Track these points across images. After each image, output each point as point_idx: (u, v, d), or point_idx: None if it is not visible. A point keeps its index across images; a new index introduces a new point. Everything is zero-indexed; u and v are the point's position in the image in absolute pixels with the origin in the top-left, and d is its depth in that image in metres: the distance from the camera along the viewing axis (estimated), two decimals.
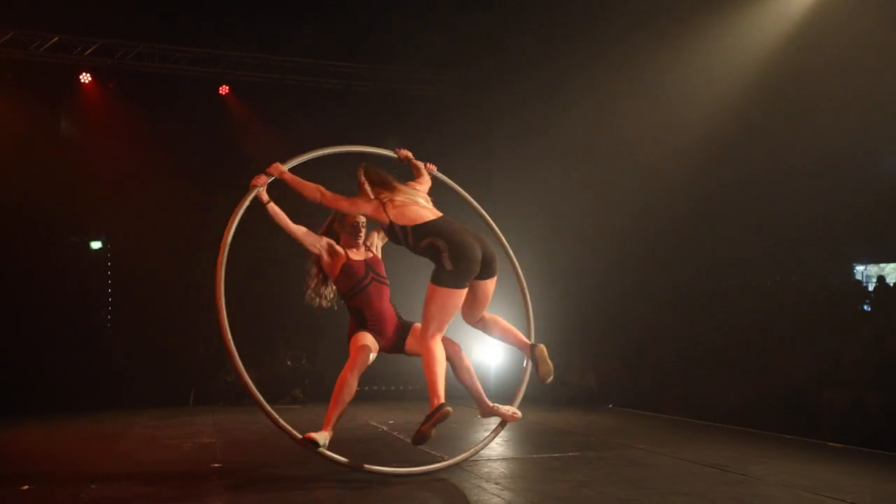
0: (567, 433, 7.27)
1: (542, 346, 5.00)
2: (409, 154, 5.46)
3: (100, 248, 11.62)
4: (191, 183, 11.06)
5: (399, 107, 11.74)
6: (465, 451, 5.57)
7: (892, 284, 10.54)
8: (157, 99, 11.21)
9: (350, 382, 5.03)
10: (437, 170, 5.54)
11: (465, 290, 4.79)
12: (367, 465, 5.13)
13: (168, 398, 10.11)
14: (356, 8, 10.73)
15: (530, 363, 5.07)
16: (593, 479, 5.04)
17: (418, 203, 4.94)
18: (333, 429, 5.08)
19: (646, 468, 5.44)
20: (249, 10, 10.95)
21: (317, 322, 10.36)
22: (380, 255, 5.43)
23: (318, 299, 5.43)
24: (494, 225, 5.82)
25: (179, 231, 11.08)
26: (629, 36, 9.73)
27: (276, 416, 5.01)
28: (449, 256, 4.71)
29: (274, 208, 5.21)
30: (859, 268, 11.94)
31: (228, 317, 5.22)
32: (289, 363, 10.86)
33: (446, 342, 5.05)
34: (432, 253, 4.77)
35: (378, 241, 5.48)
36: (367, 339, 5.12)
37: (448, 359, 5.02)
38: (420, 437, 4.75)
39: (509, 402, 5.43)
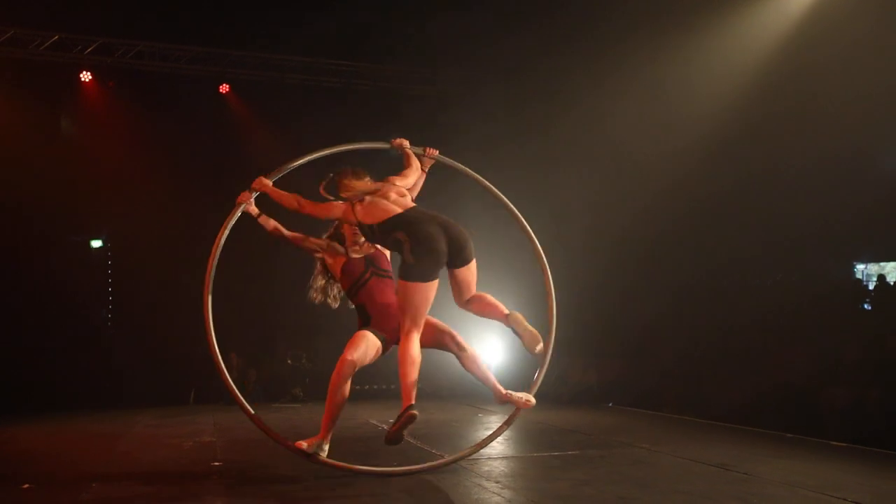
0: (568, 432, 7.26)
1: (517, 314, 4.85)
2: (404, 143, 5.33)
3: (100, 247, 11.63)
4: (191, 181, 11.07)
5: (399, 106, 11.75)
6: (465, 450, 5.53)
7: (892, 283, 10.55)
8: (158, 98, 11.22)
9: (337, 389, 5.00)
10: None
11: (434, 282, 4.74)
12: (361, 467, 5.14)
13: (168, 397, 10.13)
14: (356, 7, 10.74)
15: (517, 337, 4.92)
16: (594, 478, 5.03)
17: (388, 198, 4.90)
18: (330, 432, 5.10)
19: (647, 467, 5.43)
20: (249, 9, 10.95)
21: (317, 321, 10.35)
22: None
23: (324, 298, 5.41)
24: (511, 204, 5.59)
25: (180, 230, 11.08)
26: (629, 35, 9.73)
27: (269, 427, 5.17)
28: (410, 250, 4.70)
29: (266, 220, 5.26)
30: (860, 266, 11.95)
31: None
32: (289, 362, 10.87)
33: (440, 332, 5.02)
34: (397, 247, 4.78)
35: None
36: (361, 344, 5.04)
37: (448, 350, 5.01)
38: (390, 439, 4.71)
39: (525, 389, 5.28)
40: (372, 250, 5.33)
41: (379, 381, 10.77)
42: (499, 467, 5.50)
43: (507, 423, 5.41)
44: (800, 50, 9.03)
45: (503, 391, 5.04)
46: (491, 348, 10.40)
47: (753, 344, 9.11)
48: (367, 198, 4.92)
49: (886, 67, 8.40)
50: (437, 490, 4.80)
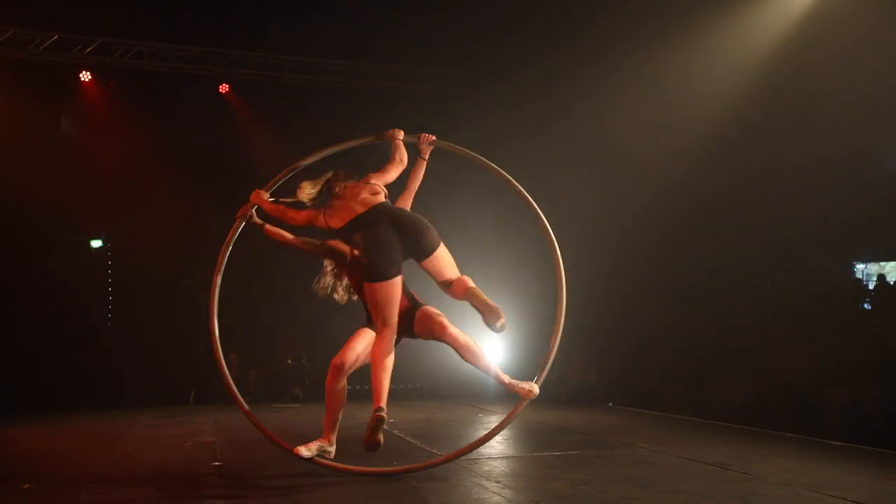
0: (568, 431, 7.26)
1: (472, 289, 4.75)
2: (397, 134, 5.20)
3: (100, 247, 11.63)
4: (191, 181, 11.08)
5: (399, 105, 11.75)
6: (463, 452, 5.39)
7: (892, 283, 10.55)
8: (158, 97, 11.21)
9: (331, 392, 5.04)
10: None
11: (392, 280, 4.73)
12: (362, 468, 5.14)
13: (169, 397, 10.12)
14: (356, 6, 10.74)
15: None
16: (594, 478, 5.03)
17: (357, 198, 4.88)
18: (333, 433, 5.11)
19: (647, 466, 5.43)
20: (249, 9, 10.95)
21: (317, 320, 10.38)
22: None
23: (331, 294, 5.35)
24: (515, 181, 5.33)
25: (180, 229, 11.09)
26: (629, 35, 9.72)
27: (272, 434, 5.25)
28: (364, 251, 4.75)
29: (270, 229, 5.28)
30: (860, 266, 11.95)
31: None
32: (289, 362, 10.86)
33: (432, 324, 4.92)
34: (357, 249, 4.82)
35: None
36: (355, 344, 5.05)
37: (443, 342, 4.95)
38: (368, 446, 4.71)
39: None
40: None
41: None
42: (499, 467, 5.49)
43: (510, 417, 5.27)
44: (800, 50, 9.03)
45: (506, 380, 4.99)
46: (492, 346, 10.41)
47: (753, 344, 9.11)
48: (338, 201, 4.91)
49: (886, 67, 8.40)
50: (437, 490, 4.80)
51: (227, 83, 11.54)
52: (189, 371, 10.63)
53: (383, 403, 4.73)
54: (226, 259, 5.36)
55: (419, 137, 5.29)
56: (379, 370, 4.80)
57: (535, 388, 4.98)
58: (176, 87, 11.26)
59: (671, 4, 9.48)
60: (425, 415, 8.61)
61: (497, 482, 4.96)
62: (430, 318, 4.98)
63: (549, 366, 5.16)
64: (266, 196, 5.20)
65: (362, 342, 5.05)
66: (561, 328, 5.18)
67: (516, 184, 5.34)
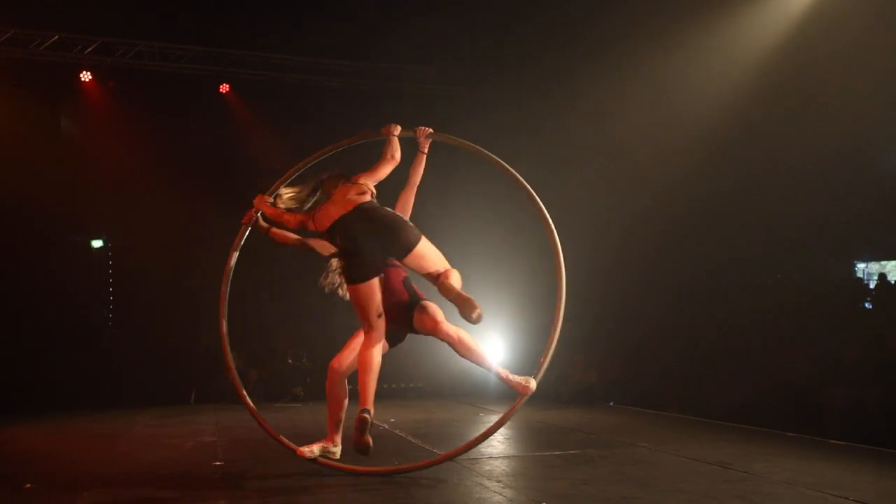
0: (569, 431, 7.26)
1: (442, 283, 4.69)
2: (392, 130, 5.16)
3: (101, 247, 11.62)
4: (191, 181, 11.08)
5: (400, 105, 11.74)
6: (463, 449, 5.33)
7: (893, 282, 10.54)
8: (158, 97, 11.21)
9: (331, 394, 5.07)
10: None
11: (369, 282, 4.73)
12: (363, 468, 5.15)
13: (169, 397, 10.11)
14: (357, 6, 10.74)
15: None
16: (595, 477, 5.03)
17: (343, 199, 4.86)
18: (337, 433, 5.12)
19: (648, 466, 5.43)
20: (250, 9, 10.95)
21: (317, 320, 10.37)
22: None
23: (338, 289, 5.31)
24: (516, 173, 5.25)
25: (180, 229, 11.09)
26: (630, 34, 9.72)
27: (283, 438, 5.28)
28: (341, 252, 4.79)
29: (276, 232, 5.29)
30: (860, 265, 11.94)
31: (229, 316, 5.29)
32: (290, 361, 10.86)
33: (424, 317, 4.88)
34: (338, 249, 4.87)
35: None
36: (353, 344, 5.08)
37: (436, 337, 4.92)
38: (358, 448, 4.73)
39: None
40: None
41: (379, 380, 10.75)
42: (500, 466, 5.49)
43: (508, 414, 5.13)
44: (799, 49, 9.02)
45: (503, 374, 4.92)
46: (494, 346, 10.41)
47: (754, 343, 9.11)
48: (326, 203, 4.92)
49: (886, 67, 8.40)
50: (439, 489, 4.80)
51: (227, 83, 11.55)
52: (190, 371, 10.63)
53: (368, 405, 4.73)
54: (233, 264, 5.42)
55: (415, 131, 5.27)
56: (363, 372, 4.81)
57: (532, 384, 4.90)
58: (176, 87, 11.26)
59: (671, 4, 9.48)
60: (426, 415, 8.61)
61: (498, 482, 4.96)
62: (425, 313, 4.94)
63: (548, 359, 5.03)
64: (270, 200, 5.20)
65: (361, 343, 5.05)
66: (561, 318, 5.03)
67: (513, 171, 5.25)
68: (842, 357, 8.06)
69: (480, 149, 5.33)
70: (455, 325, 4.94)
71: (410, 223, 4.93)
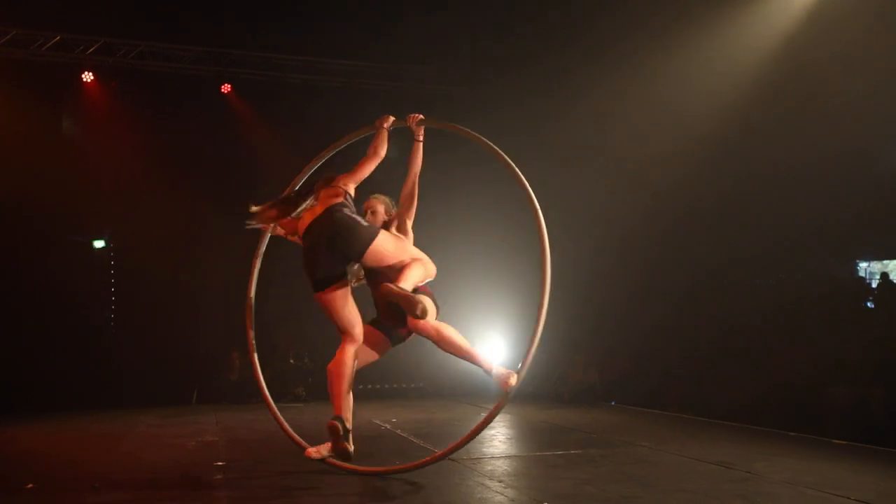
0: (570, 430, 7.27)
1: (383, 284, 4.56)
2: (383, 122, 5.18)
3: (103, 248, 11.63)
4: (193, 181, 11.09)
5: (400, 105, 11.73)
6: (463, 448, 5.24)
7: (895, 281, 10.52)
8: (160, 98, 11.21)
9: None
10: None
11: (330, 290, 4.65)
12: (364, 468, 5.16)
13: (171, 397, 10.11)
14: (358, 6, 10.74)
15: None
16: (596, 477, 5.03)
17: (321, 203, 4.81)
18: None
19: (649, 466, 5.44)
20: (251, 9, 10.95)
21: (319, 319, 10.36)
22: (408, 234, 5.20)
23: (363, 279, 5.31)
24: (507, 158, 5.22)
25: (182, 229, 11.09)
26: (630, 34, 9.71)
27: (298, 437, 5.38)
28: (302, 263, 4.75)
29: (293, 236, 5.12)
30: (862, 265, 11.90)
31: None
32: (291, 361, 10.86)
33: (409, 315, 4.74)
34: None
35: (408, 221, 5.25)
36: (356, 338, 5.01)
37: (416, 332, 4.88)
38: (338, 455, 4.72)
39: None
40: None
41: (379, 381, 10.79)
42: (501, 466, 5.50)
43: (497, 408, 4.89)
44: (800, 49, 9.01)
45: (486, 365, 4.78)
46: (494, 345, 10.42)
47: (755, 343, 9.11)
48: (307, 211, 4.84)
49: (887, 67, 8.39)
50: (440, 489, 4.80)
51: (228, 83, 11.54)
52: (192, 371, 10.63)
53: (340, 412, 4.68)
54: (256, 272, 5.50)
55: (407, 118, 5.25)
56: (332, 377, 4.75)
57: (513, 378, 4.69)
58: (178, 88, 11.26)
59: (671, 4, 9.47)
60: (427, 414, 8.62)
61: (500, 481, 4.97)
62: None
63: (532, 352, 4.75)
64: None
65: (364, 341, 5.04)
66: (545, 308, 4.74)
67: (504, 155, 5.20)
68: (843, 356, 8.06)
69: (470, 131, 5.26)
70: (443, 320, 4.86)
71: (365, 222, 4.81)
